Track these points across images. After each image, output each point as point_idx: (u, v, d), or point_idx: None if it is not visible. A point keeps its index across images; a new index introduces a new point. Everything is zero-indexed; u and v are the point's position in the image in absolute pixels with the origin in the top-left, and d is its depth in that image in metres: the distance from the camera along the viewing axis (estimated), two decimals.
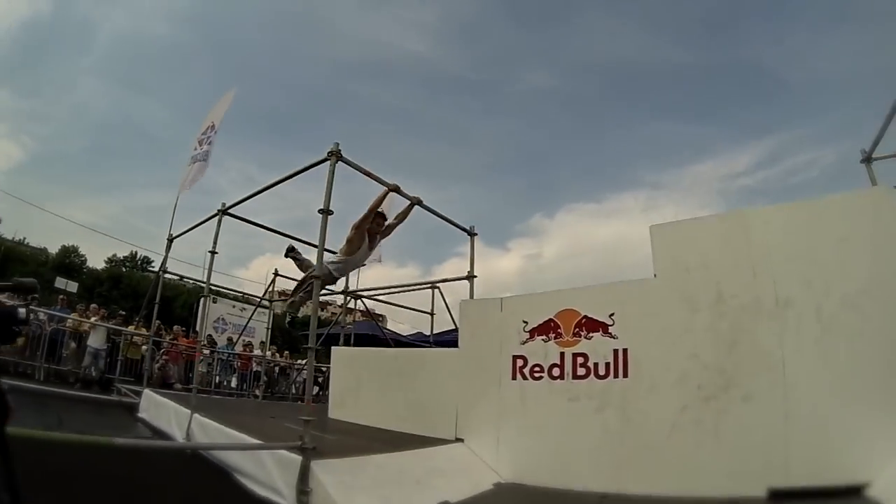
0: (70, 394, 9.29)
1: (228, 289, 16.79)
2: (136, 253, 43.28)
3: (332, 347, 9.12)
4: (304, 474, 4.24)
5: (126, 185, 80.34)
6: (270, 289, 13.66)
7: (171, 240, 9.36)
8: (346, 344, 10.12)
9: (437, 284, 9.22)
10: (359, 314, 12.82)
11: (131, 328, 12.74)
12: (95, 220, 74.05)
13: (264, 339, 14.65)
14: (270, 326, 14.41)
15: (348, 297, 10.26)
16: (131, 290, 31.20)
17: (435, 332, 10.81)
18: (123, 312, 14.61)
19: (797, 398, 4.58)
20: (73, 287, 25.88)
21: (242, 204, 7.43)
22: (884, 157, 5.86)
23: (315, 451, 4.39)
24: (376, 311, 12.39)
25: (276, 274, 12.60)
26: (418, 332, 13.22)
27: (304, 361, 14.59)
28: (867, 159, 5.86)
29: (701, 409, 4.87)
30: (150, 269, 40.48)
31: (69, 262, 35.78)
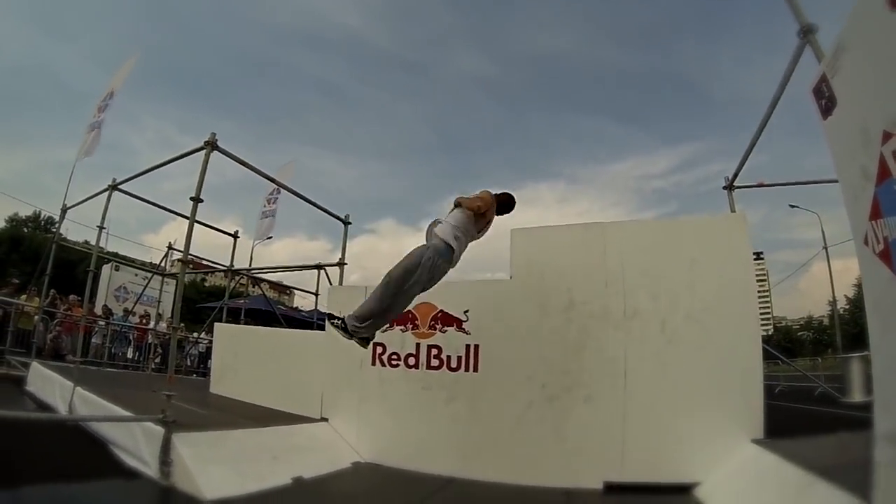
0: None
1: (125, 261, 16.06)
2: (39, 213, 39.88)
3: (215, 324, 9.04)
4: (165, 446, 4.28)
5: (37, 138, 72.81)
6: (165, 261, 13.48)
7: (64, 210, 8.88)
8: (237, 319, 10.09)
9: (322, 266, 9.25)
10: (266, 287, 12.78)
11: (24, 297, 12.01)
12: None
13: (167, 311, 14.45)
14: (175, 295, 14.07)
15: (232, 275, 10.20)
16: (32, 252, 29.14)
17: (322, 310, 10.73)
18: (17, 281, 13.76)
19: (636, 402, 4.88)
20: None
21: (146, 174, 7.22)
22: (744, 186, 6.23)
23: (176, 423, 4.42)
24: (284, 285, 12.39)
25: (170, 247, 12.44)
26: (313, 311, 13.26)
27: (197, 334, 14.45)
28: (729, 187, 6.21)
29: (545, 407, 5.13)
30: (54, 230, 38.68)
31: None
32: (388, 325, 5.80)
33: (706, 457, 4.48)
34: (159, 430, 4.41)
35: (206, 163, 5.37)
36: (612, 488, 4.68)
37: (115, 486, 4.25)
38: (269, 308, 11.54)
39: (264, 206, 8.94)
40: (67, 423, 5.72)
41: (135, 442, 4.70)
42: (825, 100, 2.79)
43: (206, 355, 14.42)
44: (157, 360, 13.08)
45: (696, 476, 4.45)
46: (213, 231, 9.74)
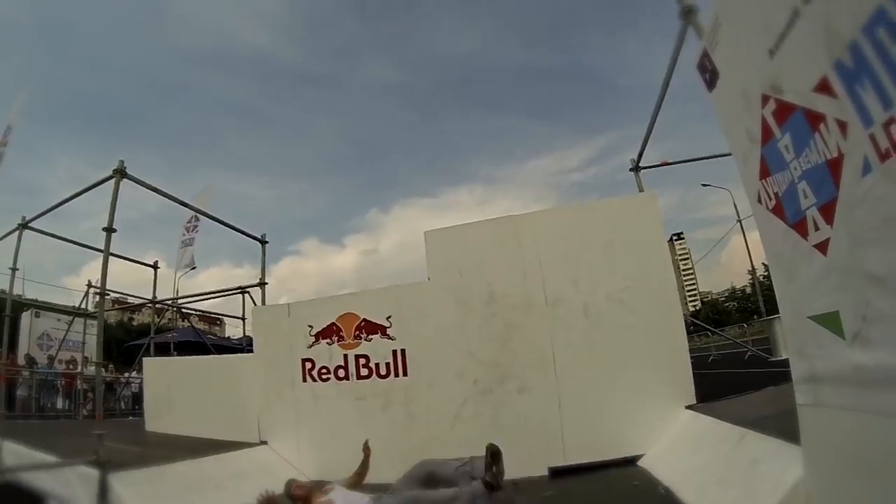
0: None
1: (51, 304, 15.23)
2: None
3: (144, 359, 8.69)
4: (102, 489, 3.99)
5: None
6: (87, 300, 12.94)
7: None
8: (167, 354, 9.79)
9: (246, 290, 9.10)
10: (196, 319, 12.41)
11: None
12: None
13: (90, 355, 13.64)
14: (102, 338, 13.53)
15: (157, 307, 9.91)
16: None
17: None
18: None
19: (568, 387, 5.01)
20: None
21: (62, 207, 6.93)
22: (648, 166, 6.47)
23: (111, 463, 4.21)
24: (212, 315, 12.07)
25: (89, 285, 11.93)
26: (248, 337, 13.00)
27: (128, 374, 13.83)
28: (635, 168, 6.44)
29: (479, 402, 5.19)
30: None
31: None
32: (314, 340, 5.78)
33: (645, 429, 4.67)
34: (94, 472, 4.11)
35: (116, 191, 5.27)
36: (557, 472, 4.77)
37: None
38: (198, 339, 11.20)
39: (183, 234, 8.65)
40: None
41: (71, 490, 4.38)
42: (709, 73, 2.93)
43: (140, 396, 13.81)
44: (90, 406, 12.43)
45: (638, 448, 4.64)
46: (134, 266, 9.56)
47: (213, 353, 9.53)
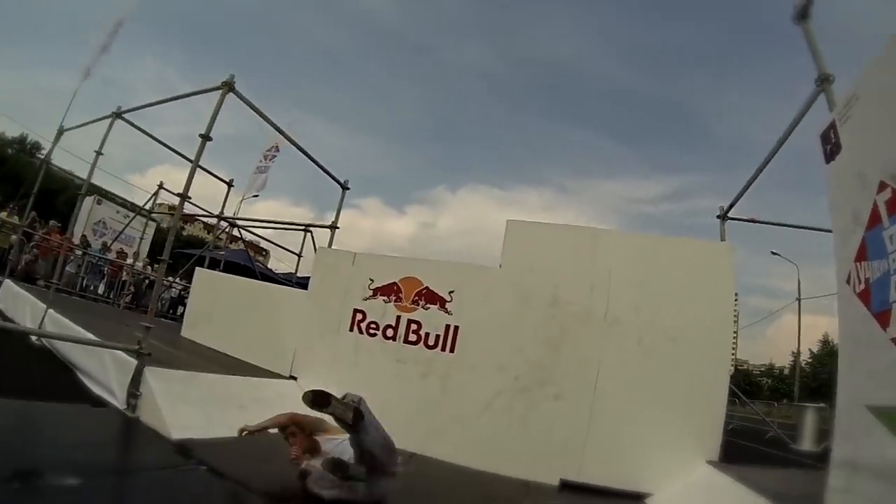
0: None
1: (113, 195, 15.69)
2: (26, 136, 38.04)
3: (196, 269, 8.91)
4: (136, 377, 4.21)
5: (36, 61, 69.98)
6: (153, 201, 13.24)
7: (61, 131, 8.66)
8: (217, 269, 9.99)
9: (309, 228, 9.24)
10: (241, 244, 12.63)
11: (3, 214, 11.67)
12: None
13: (137, 251, 14.29)
14: (151, 241, 14.15)
15: (222, 222, 10.09)
16: (13, 174, 28.27)
17: (303, 274, 10.70)
18: None
19: (603, 407, 4.96)
20: None
21: (144, 109, 7.15)
22: (736, 218, 6.37)
23: (150, 357, 4.36)
24: (261, 246, 12.28)
25: (160, 186, 12.24)
26: (291, 273, 13.10)
27: (172, 279, 14.23)
28: (722, 216, 6.34)
29: (514, 398, 5.18)
30: (39, 155, 36.88)
31: None
32: (371, 294, 5.85)
33: (661, 470, 4.58)
34: (131, 361, 4.34)
35: (221, 103, 5.30)
36: (567, 486, 4.75)
37: (81, 410, 4.16)
38: (247, 263, 11.40)
39: (260, 160, 8.82)
40: (35, 343, 5.63)
41: (104, 370, 4.63)
42: (831, 145, 2.93)
43: (178, 301, 14.23)
44: (129, 298, 12.86)
45: (648, 487, 4.56)
46: (200, 179, 9.70)
47: (260, 280, 9.70)
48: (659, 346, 5.00)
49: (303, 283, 9.57)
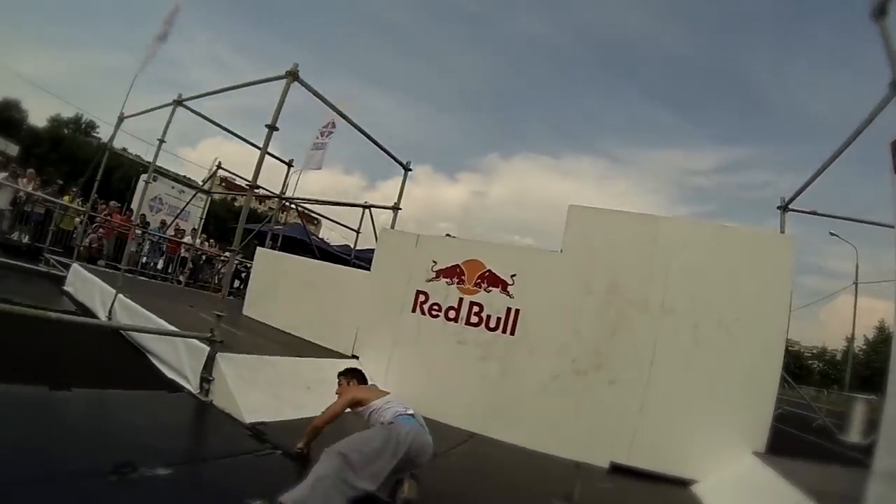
0: None
1: (166, 171, 15.97)
2: (81, 116, 39.62)
3: (258, 248, 9.14)
4: (209, 363, 4.48)
5: (88, 42, 70.97)
6: (211, 177, 13.52)
7: (121, 119, 9.04)
8: (274, 244, 10.30)
9: (369, 207, 9.41)
10: (296, 216, 12.83)
11: (67, 198, 12.10)
12: (44, 75, 63.55)
13: (196, 227, 14.60)
14: (205, 215, 14.50)
15: (282, 202, 10.34)
16: (71, 154, 29.02)
17: (359, 248, 11.00)
18: (61, 181, 13.91)
19: (656, 393, 5.06)
20: (13, 150, 24.13)
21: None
22: (797, 210, 6.25)
23: (223, 344, 4.61)
24: (313, 213, 12.44)
25: (219, 166, 12.57)
26: (345, 245, 13.34)
27: (231, 253, 14.54)
28: (783, 207, 6.22)
29: (571, 380, 5.32)
30: (95, 134, 37.44)
31: (8, 116, 32.12)
32: (434, 276, 6.03)
33: (708, 458, 4.69)
34: (202, 346, 4.61)
35: (286, 92, 5.43)
36: (617, 469, 4.91)
37: (157, 396, 4.40)
38: (303, 237, 11.60)
39: (317, 137, 9.00)
40: (113, 328, 5.88)
41: (176, 354, 4.91)
42: None
43: (235, 275, 14.58)
44: (187, 274, 13.37)
45: (695, 474, 4.67)
46: (256, 153, 9.88)
47: (316, 255, 9.94)
48: (713, 336, 5.05)
49: (359, 257, 9.78)
